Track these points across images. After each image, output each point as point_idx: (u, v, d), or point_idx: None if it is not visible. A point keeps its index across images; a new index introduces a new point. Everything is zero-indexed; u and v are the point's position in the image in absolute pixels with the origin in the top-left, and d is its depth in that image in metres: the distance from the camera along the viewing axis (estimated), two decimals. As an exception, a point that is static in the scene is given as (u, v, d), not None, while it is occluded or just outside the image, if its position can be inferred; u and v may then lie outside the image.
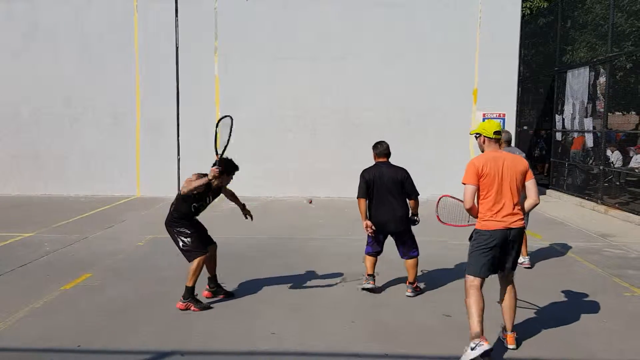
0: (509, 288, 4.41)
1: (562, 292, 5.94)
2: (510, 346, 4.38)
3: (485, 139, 4.31)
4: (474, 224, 4.35)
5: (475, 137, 4.40)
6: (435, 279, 6.35)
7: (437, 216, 4.95)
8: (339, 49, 12.87)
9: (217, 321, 4.97)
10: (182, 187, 5.17)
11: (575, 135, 13.70)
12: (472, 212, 4.24)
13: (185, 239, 5.20)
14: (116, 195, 12.83)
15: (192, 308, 5.17)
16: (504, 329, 4.48)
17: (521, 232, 4.30)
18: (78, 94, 13.16)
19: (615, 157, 12.77)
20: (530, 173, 4.30)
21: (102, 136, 13.19)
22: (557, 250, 7.91)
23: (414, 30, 12.79)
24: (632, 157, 12.81)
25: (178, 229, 5.25)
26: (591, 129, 12.85)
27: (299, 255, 7.55)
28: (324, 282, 6.27)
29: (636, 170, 12.59)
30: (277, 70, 12.94)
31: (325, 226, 9.65)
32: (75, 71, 13.10)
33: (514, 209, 4.21)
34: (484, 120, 12.93)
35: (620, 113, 16.31)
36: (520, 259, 6.48)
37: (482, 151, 4.34)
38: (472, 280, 4.24)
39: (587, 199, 12.28)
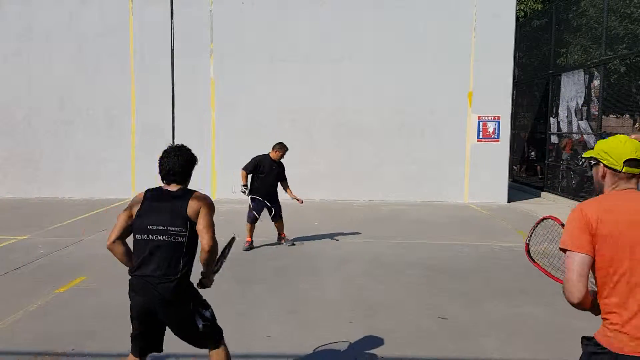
0: None
1: (558, 294, 5.94)
2: None
3: (608, 171, 2.30)
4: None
5: (590, 165, 2.41)
6: (434, 282, 6.35)
7: (527, 245, 3.03)
8: (335, 51, 12.88)
9: (212, 324, 4.96)
10: None
11: (566, 138, 13.76)
12: (586, 305, 2.24)
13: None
14: (111, 198, 12.78)
15: None
16: None
17: None
18: (72, 96, 13.11)
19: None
20: None
21: (97, 138, 13.14)
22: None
23: (410, 33, 12.81)
24: None
25: None
26: (588, 131, 12.91)
27: (295, 257, 7.54)
28: (320, 284, 6.26)
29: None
30: (273, 72, 12.93)
31: (321, 228, 9.64)
32: (69, 73, 13.05)
33: None
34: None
35: (615, 116, 16.41)
36: None
37: (600, 191, 2.36)
38: None
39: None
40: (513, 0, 12.81)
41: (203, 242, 3.15)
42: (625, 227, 2.13)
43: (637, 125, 14.76)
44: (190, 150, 3.37)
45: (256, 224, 8.11)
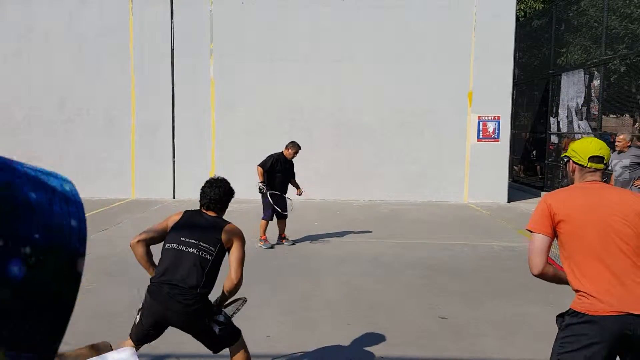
0: None
1: (557, 293, 5.94)
2: None
3: (576, 167, 2.71)
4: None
5: (564, 162, 2.86)
6: (434, 282, 6.35)
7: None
8: (335, 50, 12.88)
9: (212, 324, 4.95)
10: None
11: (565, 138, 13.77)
12: (548, 273, 2.70)
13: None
14: (111, 198, 12.77)
15: None
16: None
17: None
18: (72, 96, 13.10)
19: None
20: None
21: (97, 138, 13.13)
22: (551, 251, 7.92)
23: (410, 32, 12.81)
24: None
25: None
26: (588, 131, 12.90)
27: (295, 257, 7.54)
28: (319, 284, 6.26)
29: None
30: (273, 72, 12.93)
31: (321, 228, 9.64)
32: (69, 73, 13.04)
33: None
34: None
35: (615, 116, 16.41)
36: None
37: (572, 183, 2.82)
38: None
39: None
40: (513, 0, 12.82)
41: (232, 273, 3.30)
42: (583, 211, 2.51)
43: (637, 125, 14.77)
44: (229, 183, 3.64)
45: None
